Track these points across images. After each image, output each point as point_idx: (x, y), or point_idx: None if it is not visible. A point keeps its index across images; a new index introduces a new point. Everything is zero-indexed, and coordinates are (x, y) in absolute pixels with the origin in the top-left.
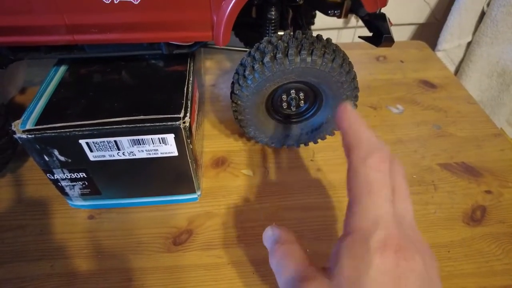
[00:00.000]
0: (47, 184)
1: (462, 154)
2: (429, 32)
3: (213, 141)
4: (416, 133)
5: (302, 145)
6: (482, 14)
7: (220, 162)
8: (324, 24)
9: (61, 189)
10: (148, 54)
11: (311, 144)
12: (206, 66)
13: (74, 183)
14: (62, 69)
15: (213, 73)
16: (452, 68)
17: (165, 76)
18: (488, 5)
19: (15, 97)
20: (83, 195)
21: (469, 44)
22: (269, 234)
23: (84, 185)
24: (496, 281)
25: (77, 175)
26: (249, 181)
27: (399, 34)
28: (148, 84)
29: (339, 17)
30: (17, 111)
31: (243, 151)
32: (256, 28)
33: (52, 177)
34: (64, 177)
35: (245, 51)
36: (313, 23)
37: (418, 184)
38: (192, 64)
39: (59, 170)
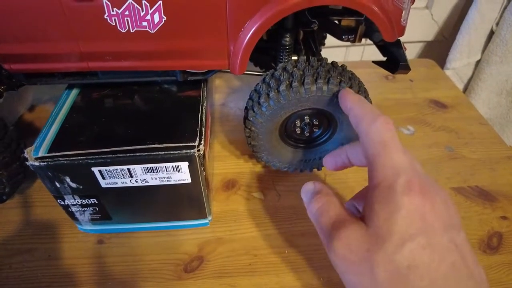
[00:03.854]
0: (56, 206)
1: (476, 178)
2: (437, 49)
3: (223, 162)
4: (428, 155)
5: (314, 169)
6: (491, 33)
7: (230, 185)
8: (332, 42)
9: (71, 214)
10: (160, 79)
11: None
12: (216, 84)
13: (85, 209)
14: (74, 92)
15: (222, 92)
16: (461, 86)
17: (179, 101)
18: (497, 24)
19: (24, 115)
20: (93, 220)
21: (478, 62)
22: (310, 187)
23: (94, 211)
24: None
25: (88, 201)
26: (261, 205)
27: (407, 52)
28: (161, 110)
29: (353, 42)
30: (26, 129)
31: (253, 173)
32: (267, 51)
33: (63, 203)
34: (75, 203)
35: (258, 75)
36: (324, 44)
37: None
38: (205, 89)
39: (70, 196)
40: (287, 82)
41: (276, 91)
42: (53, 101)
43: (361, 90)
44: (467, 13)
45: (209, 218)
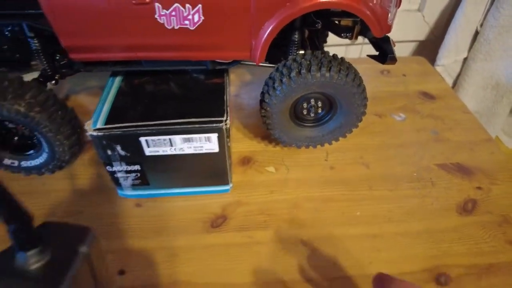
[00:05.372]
0: (98, 177)
1: (457, 156)
2: (429, 48)
3: (239, 143)
4: (416, 138)
5: (318, 146)
6: (476, 33)
7: (246, 161)
8: (333, 41)
9: (116, 180)
10: (192, 68)
11: (325, 146)
12: (230, 78)
13: (128, 175)
14: (118, 79)
15: (235, 85)
16: (450, 82)
17: (206, 87)
18: (481, 25)
19: None
20: (133, 185)
21: (465, 60)
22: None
23: (136, 177)
24: (484, 260)
25: (132, 167)
26: (272, 177)
27: (401, 50)
28: (193, 93)
29: (350, 39)
30: None
31: (265, 152)
32: (277, 46)
33: (111, 169)
34: (121, 169)
35: (270, 67)
36: (326, 42)
37: (417, 180)
38: (227, 77)
39: (118, 163)
40: (297, 70)
41: (288, 77)
42: (86, 92)
43: (357, 77)
44: (454, 15)
45: (230, 185)
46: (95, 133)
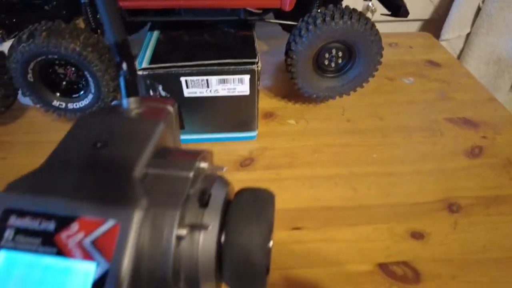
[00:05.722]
0: None
1: (463, 112)
2: (433, 26)
3: (261, 101)
4: (424, 97)
5: (335, 103)
6: (479, 9)
7: (268, 115)
8: None
9: None
10: (225, 19)
11: (341, 101)
12: None
13: None
14: (156, 33)
15: None
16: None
17: (237, 38)
18: (483, 1)
19: None
20: None
21: (468, 35)
22: None
23: None
24: (491, 192)
25: None
26: (293, 128)
27: (407, 28)
28: (226, 43)
29: None
30: None
31: (285, 108)
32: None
33: None
34: None
35: (293, 24)
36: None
37: (427, 130)
38: (254, 31)
39: None
40: (321, 18)
41: (313, 25)
42: None
43: (374, 26)
44: None
45: (256, 132)
46: (140, 72)
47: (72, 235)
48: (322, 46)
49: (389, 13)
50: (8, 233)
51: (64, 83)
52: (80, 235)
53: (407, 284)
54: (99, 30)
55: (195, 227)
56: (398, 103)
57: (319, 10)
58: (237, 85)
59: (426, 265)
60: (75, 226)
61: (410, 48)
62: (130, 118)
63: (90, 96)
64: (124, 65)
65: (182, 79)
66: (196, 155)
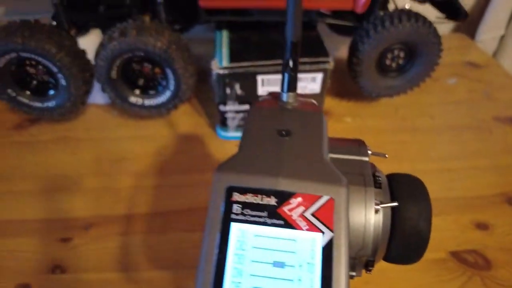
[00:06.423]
0: (196, 125)
1: (509, 111)
2: (466, 29)
3: None
4: (469, 96)
5: (387, 103)
6: None
7: (326, 113)
8: None
9: (223, 120)
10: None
11: (394, 101)
12: None
13: (237, 115)
14: (225, 32)
15: None
16: None
17: (306, 38)
18: None
19: None
20: (238, 126)
21: (502, 37)
22: None
23: (243, 117)
24: None
25: (243, 107)
26: (350, 125)
27: (440, 29)
28: None
29: (421, 2)
30: None
31: (340, 106)
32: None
33: (223, 108)
34: (233, 109)
35: (350, 25)
36: None
37: (477, 128)
38: (318, 31)
39: (232, 102)
40: (389, 21)
41: (381, 26)
42: None
43: (436, 29)
44: None
45: None
46: (221, 71)
47: (293, 208)
48: (387, 46)
49: (444, 16)
50: (236, 208)
51: (141, 80)
52: (301, 209)
53: (479, 270)
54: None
55: (384, 204)
56: (446, 102)
57: (385, 13)
58: (308, 83)
59: (495, 253)
60: (294, 201)
61: (449, 50)
62: (297, 110)
63: (168, 93)
64: (291, 63)
65: (259, 77)
66: (361, 142)
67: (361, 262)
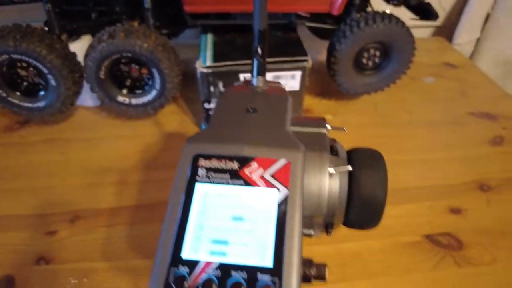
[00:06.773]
0: (180, 124)
1: (482, 107)
2: (444, 33)
3: None
4: (446, 95)
5: (366, 100)
6: (488, 15)
7: (306, 111)
8: None
9: (208, 117)
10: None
11: (373, 98)
12: None
13: None
14: (210, 36)
15: None
16: None
17: (286, 39)
18: (492, 8)
19: None
20: None
21: (478, 40)
22: None
23: None
24: None
25: None
26: (331, 122)
27: (420, 34)
28: (277, 44)
29: (396, 5)
30: None
31: (321, 104)
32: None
33: (208, 106)
34: None
35: (331, 28)
36: None
37: (452, 123)
38: (298, 33)
39: (216, 99)
40: (364, 21)
41: (357, 27)
42: None
43: (409, 28)
44: (468, 1)
45: None
46: (205, 70)
47: (254, 171)
48: (362, 46)
49: (418, 17)
50: (201, 172)
51: (129, 80)
52: (260, 170)
53: (451, 250)
54: None
55: (338, 167)
56: (423, 100)
57: (361, 14)
58: (288, 81)
59: (467, 235)
60: (255, 164)
61: (427, 51)
62: (265, 93)
63: (154, 92)
64: (259, 50)
65: (241, 75)
66: (322, 119)
67: (319, 223)
